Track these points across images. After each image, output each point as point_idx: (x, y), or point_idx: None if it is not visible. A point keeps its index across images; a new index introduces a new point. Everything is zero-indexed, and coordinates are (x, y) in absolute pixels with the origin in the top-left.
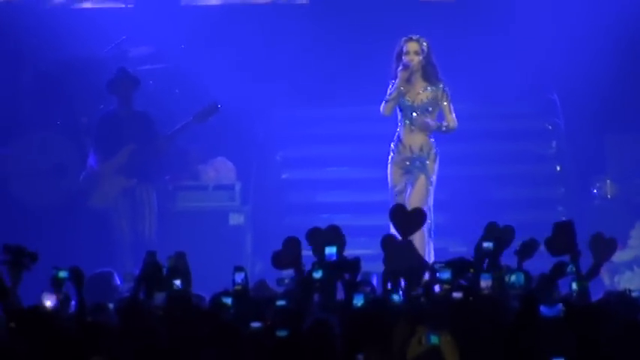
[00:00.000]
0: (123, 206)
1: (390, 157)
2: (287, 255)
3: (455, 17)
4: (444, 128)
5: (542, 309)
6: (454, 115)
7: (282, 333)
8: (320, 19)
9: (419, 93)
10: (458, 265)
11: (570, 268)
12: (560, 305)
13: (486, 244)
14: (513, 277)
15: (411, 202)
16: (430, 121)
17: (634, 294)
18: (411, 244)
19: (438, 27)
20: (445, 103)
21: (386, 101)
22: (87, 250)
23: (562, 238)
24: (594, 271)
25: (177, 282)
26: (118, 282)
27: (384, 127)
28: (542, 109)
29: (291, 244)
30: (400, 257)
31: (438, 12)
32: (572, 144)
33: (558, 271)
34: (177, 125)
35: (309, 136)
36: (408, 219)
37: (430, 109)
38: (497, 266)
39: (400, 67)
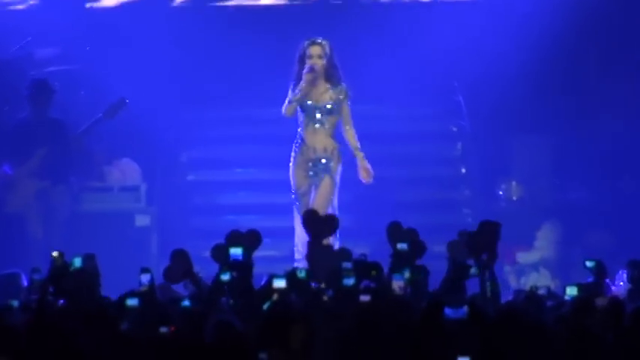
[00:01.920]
0: (36, 208)
1: (292, 159)
2: (178, 268)
3: (361, 20)
4: (358, 145)
5: (447, 311)
6: (350, 119)
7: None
8: (225, 22)
9: (322, 94)
10: (361, 268)
11: (474, 270)
12: (465, 307)
13: (400, 246)
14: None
15: (317, 203)
16: (365, 164)
17: (540, 291)
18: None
19: (344, 29)
20: (346, 107)
21: (289, 102)
22: None
23: (485, 237)
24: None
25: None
26: (25, 283)
27: (289, 129)
28: (447, 111)
29: (180, 257)
30: (325, 260)
31: (343, 14)
32: (478, 146)
33: (461, 272)
34: (87, 123)
35: (215, 137)
36: (321, 224)
37: (334, 109)
38: (414, 267)
39: (306, 71)
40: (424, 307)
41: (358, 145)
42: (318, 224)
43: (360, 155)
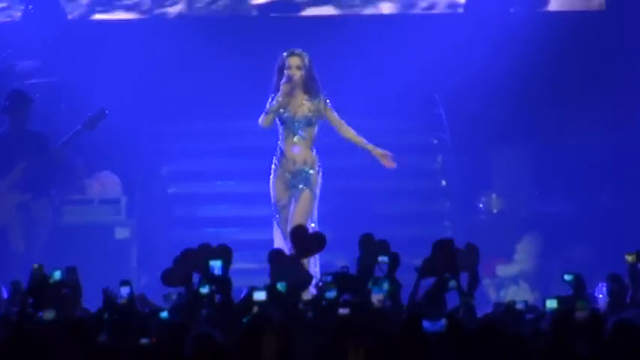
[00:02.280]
0: (18, 221)
1: (272, 171)
2: (180, 272)
3: (341, 32)
4: (363, 139)
5: (426, 324)
6: (337, 116)
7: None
8: (206, 34)
9: (300, 106)
10: (342, 281)
11: (452, 283)
12: (444, 320)
13: (382, 258)
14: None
15: (296, 216)
16: (380, 151)
17: (518, 305)
18: (297, 259)
19: (325, 42)
20: (332, 114)
21: (265, 113)
22: None
23: (441, 256)
24: (473, 283)
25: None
26: (5, 295)
27: (269, 141)
28: (428, 123)
29: (185, 261)
30: (286, 272)
31: (323, 27)
32: (458, 158)
33: (440, 286)
34: (67, 135)
35: (195, 150)
36: (309, 241)
37: (312, 121)
38: (393, 280)
39: (283, 81)
40: (403, 319)
41: (363, 139)
42: (305, 241)
43: (370, 147)
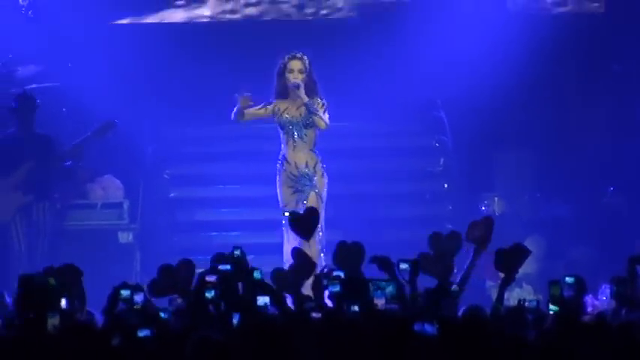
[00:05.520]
0: (20, 222)
1: (277, 177)
2: (168, 282)
3: (343, 35)
4: (316, 112)
5: (417, 326)
6: (327, 116)
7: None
8: (209, 38)
9: (297, 108)
10: (349, 283)
11: (455, 287)
12: (436, 324)
13: (403, 266)
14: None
15: None
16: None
17: (528, 304)
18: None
19: (326, 45)
20: (321, 109)
21: (238, 112)
22: None
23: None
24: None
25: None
26: (8, 300)
27: (272, 145)
28: (430, 126)
29: (167, 273)
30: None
31: (325, 30)
32: (460, 161)
33: (442, 291)
34: (75, 140)
35: (197, 153)
36: (303, 223)
37: (310, 122)
38: (414, 286)
39: (291, 87)
40: (394, 322)
41: (318, 111)
42: (302, 221)
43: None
